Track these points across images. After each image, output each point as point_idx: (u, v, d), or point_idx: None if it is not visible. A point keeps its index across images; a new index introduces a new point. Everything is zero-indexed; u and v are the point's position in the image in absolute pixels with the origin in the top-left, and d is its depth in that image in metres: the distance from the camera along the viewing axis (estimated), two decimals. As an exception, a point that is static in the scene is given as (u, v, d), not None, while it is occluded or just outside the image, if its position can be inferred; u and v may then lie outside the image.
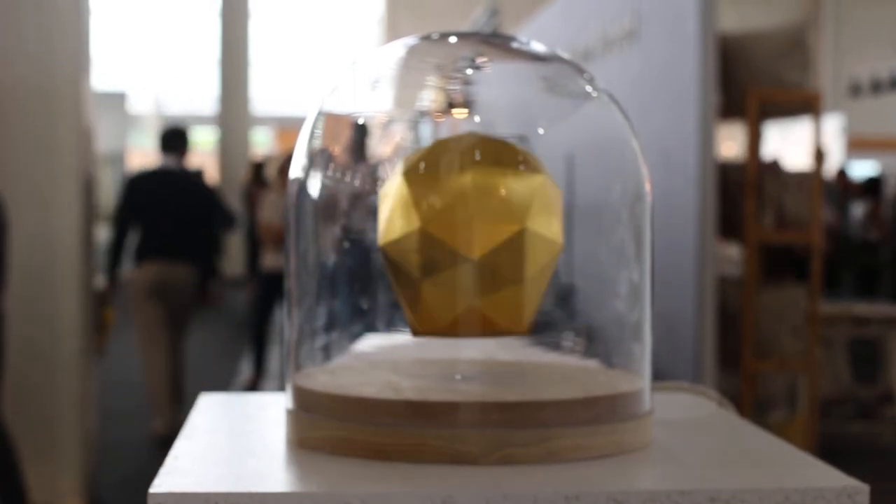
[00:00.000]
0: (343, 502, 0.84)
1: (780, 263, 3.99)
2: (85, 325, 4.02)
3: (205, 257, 5.23)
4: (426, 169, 0.99)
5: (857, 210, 9.30)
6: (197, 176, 6.05)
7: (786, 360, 3.48)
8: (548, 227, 0.99)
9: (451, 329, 0.99)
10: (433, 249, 0.98)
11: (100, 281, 4.64)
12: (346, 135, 1.11)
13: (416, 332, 1.02)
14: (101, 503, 4.13)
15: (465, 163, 0.99)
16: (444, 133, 1.08)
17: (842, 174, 10.08)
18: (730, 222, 3.47)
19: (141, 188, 5.22)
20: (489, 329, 1.00)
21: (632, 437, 0.99)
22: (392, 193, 1.00)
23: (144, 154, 17.32)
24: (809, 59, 3.60)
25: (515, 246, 0.97)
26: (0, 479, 2.84)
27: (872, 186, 9.50)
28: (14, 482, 3.05)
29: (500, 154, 1.00)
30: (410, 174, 0.99)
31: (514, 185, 0.98)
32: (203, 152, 16.74)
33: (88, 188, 4.06)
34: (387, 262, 1.01)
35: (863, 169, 12.21)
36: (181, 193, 5.22)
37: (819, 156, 3.55)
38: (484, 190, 0.98)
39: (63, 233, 3.93)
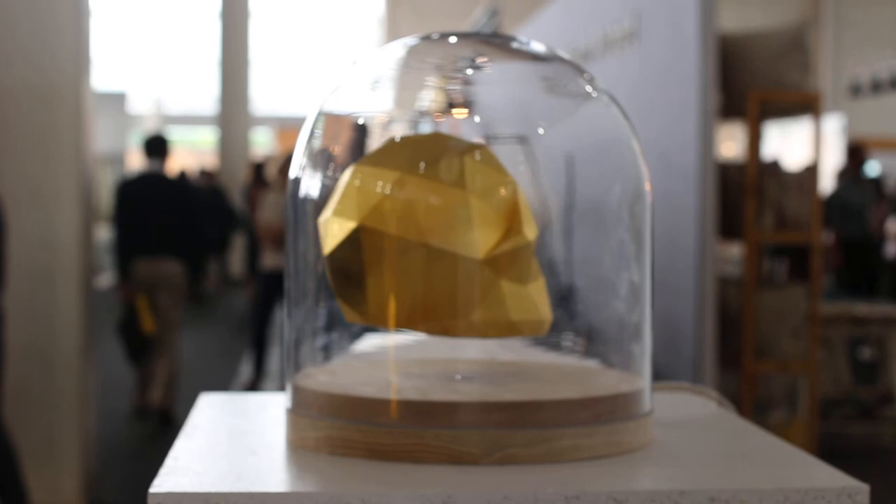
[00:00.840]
0: (343, 502, 0.84)
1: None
2: (84, 325, 4.01)
3: (191, 254, 5.49)
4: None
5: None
6: (181, 178, 6.31)
7: (786, 360, 3.47)
8: (394, 224, 0.98)
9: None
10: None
11: (107, 279, 4.75)
12: (346, 135, 1.11)
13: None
14: (100, 503, 4.13)
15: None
16: (444, 132, 1.08)
17: (855, 152, 9.98)
18: (730, 223, 3.47)
19: (129, 191, 5.53)
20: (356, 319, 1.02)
21: (632, 438, 0.99)
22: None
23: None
24: (809, 59, 3.60)
25: (354, 244, 0.98)
26: (1, 479, 2.83)
27: (877, 188, 9.46)
28: (14, 482, 3.05)
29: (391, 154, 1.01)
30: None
31: (367, 183, 0.99)
32: (203, 152, 16.74)
33: (88, 188, 4.06)
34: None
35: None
36: (166, 195, 5.49)
37: (817, 152, 3.55)
38: (351, 188, 1.00)
39: (62, 233, 3.93)
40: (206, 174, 12.18)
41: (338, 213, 1.00)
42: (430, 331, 1.00)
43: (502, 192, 0.98)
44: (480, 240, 0.96)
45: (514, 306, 0.98)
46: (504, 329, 0.99)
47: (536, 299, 1.00)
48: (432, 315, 0.98)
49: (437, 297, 0.97)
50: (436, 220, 0.96)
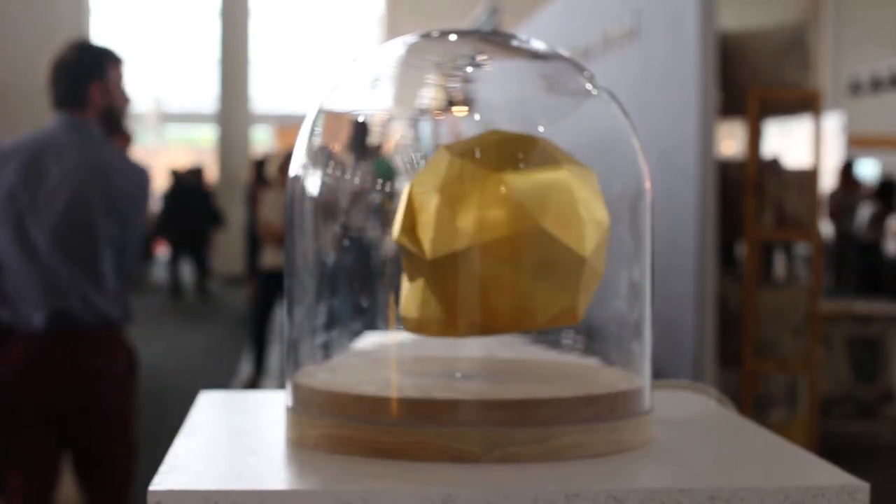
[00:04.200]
0: (343, 500, 0.84)
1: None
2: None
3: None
4: (474, 165, 0.97)
5: (866, 211, 9.28)
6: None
7: (786, 359, 3.48)
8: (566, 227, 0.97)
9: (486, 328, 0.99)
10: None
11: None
12: (345, 133, 1.11)
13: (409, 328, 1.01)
14: None
15: (507, 161, 0.98)
16: (445, 131, 1.08)
17: (847, 169, 10.00)
18: (730, 221, 3.47)
19: None
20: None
21: (632, 436, 0.99)
22: (438, 189, 0.97)
23: (145, 152, 17.33)
24: (809, 57, 3.60)
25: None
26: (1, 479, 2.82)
27: (886, 191, 9.43)
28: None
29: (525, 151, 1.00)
30: (459, 171, 0.97)
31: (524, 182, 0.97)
32: (203, 150, 16.74)
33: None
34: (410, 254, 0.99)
35: (864, 167, 12.21)
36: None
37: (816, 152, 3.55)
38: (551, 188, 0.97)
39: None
40: (192, 172, 12.03)
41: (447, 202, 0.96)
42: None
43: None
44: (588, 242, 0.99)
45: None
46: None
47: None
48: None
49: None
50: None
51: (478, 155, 0.98)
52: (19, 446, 2.69)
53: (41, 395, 2.64)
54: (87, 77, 2.71)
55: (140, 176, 2.82)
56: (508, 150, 0.99)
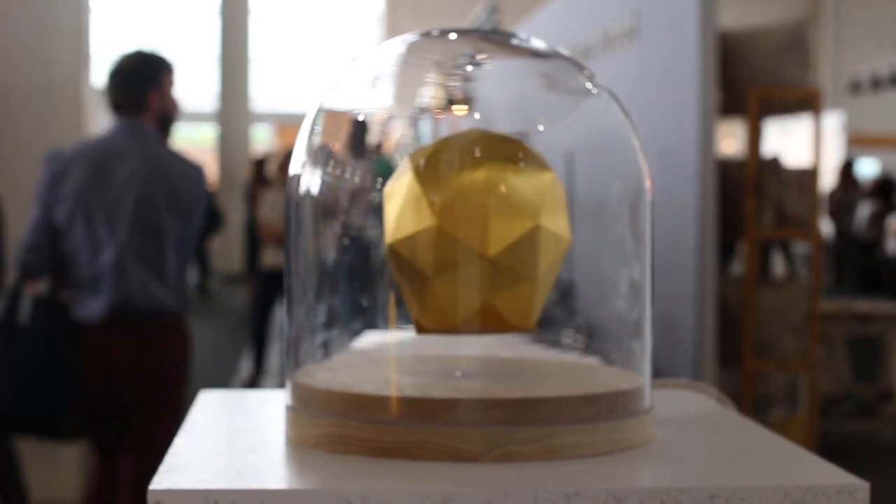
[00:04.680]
0: (343, 499, 0.84)
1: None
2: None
3: None
4: (436, 166, 0.99)
5: (865, 209, 9.27)
6: None
7: (786, 358, 3.48)
8: (557, 223, 0.99)
9: (461, 326, 0.99)
10: (447, 246, 0.97)
11: None
12: (345, 132, 1.11)
13: (421, 330, 1.01)
14: None
15: (476, 159, 0.99)
16: (445, 129, 1.07)
17: (847, 168, 9.99)
18: (730, 220, 3.47)
19: None
20: (499, 326, 0.99)
21: (632, 435, 0.99)
22: (400, 191, 1.00)
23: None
24: (810, 56, 3.60)
25: (529, 243, 0.97)
26: (1, 479, 2.83)
27: (886, 189, 9.42)
28: (15, 482, 3.05)
29: (508, 151, 1.00)
30: (420, 171, 0.99)
31: (524, 182, 0.98)
32: (203, 149, 16.74)
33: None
34: (394, 259, 1.00)
35: (864, 166, 12.20)
36: None
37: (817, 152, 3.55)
38: (498, 186, 0.97)
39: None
40: None
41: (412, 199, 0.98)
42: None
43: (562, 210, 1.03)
44: (543, 264, 1.00)
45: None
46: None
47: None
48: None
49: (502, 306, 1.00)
50: (506, 239, 0.98)
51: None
52: (94, 427, 2.95)
53: (107, 380, 2.87)
54: (146, 84, 2.93)
55: (198, 173, 3.02)
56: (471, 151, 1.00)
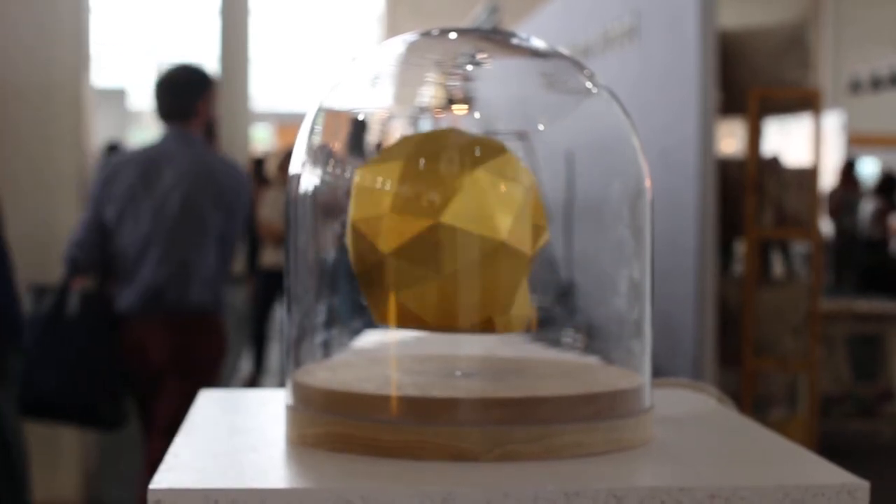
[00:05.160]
0: (343, 499, 0.84)
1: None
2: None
3: None
4: (375, 161, 1.01)
5: (868, 207, 9.25)
6: None
7: (786, 357, 3.47)
8: (488, 224, 0.96)
9: (380, 320, 1.01)
10: (357, 242, 1.00)
11: None
12: (345, 131, 1.11)
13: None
14: (100, 502, 4.13)
15: (404, 154, 0.99)
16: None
17: (848, 168, 9.97)
18: (730, 219, 3.47)
19: None
20: (415, 323, 0.99)
21: (632, 434, 0.99)
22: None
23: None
24: (810, 56, 3.60)
25: (428, 241, 0.96)
26: (2, 478, 2.83)
27: (888, 186, 9.40)
28: (17, 481, 3.04)
29: (465, 150, 1.00)
30: (365, 165, 1.02)
31: (455, 182, 0.97)
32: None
33: (88, 184, 4.06)
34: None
35: (864, 166, 12.20)
36: None
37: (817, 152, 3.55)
38: (404, 184, 0.97)
39: (62, 229, 3.93)
40: None
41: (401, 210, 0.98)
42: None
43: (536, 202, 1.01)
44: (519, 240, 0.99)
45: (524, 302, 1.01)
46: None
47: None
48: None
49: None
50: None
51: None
52: (143, 410, 3.15)
53: (150, 369, 3.06)
54: (195, 94, 3.19)
55: (240, 175, 3.26)
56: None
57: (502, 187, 0.98)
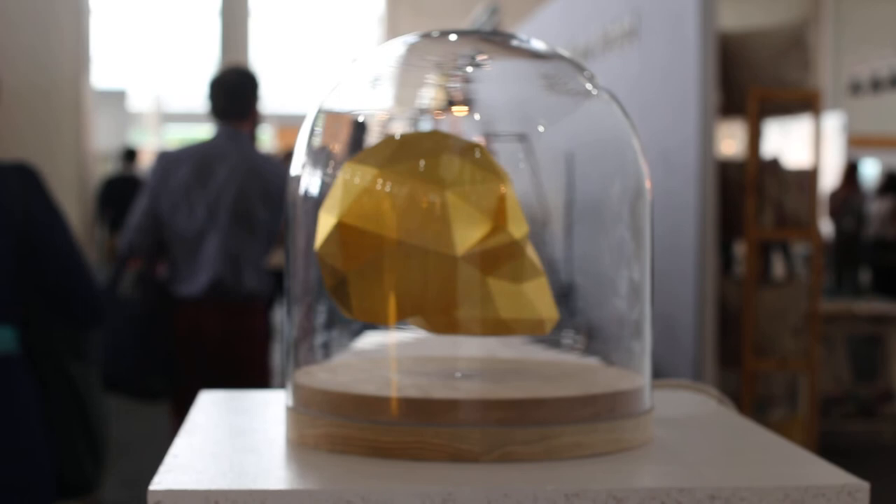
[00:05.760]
0: (343, 500, 0.84)
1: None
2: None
3: None
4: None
5: (876, 207, 9.22)
6: None
7: (786, 358, 3.48)
8: (372, 221, 0.99)
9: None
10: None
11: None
12: (346, 133, 1.11)
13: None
14: (100, 503, 4.13)
15: (369, 158, 1.02)
16: (445, 130, 1.08)
17: (851, 169, 9.94)
18: (730, 220, 3.47)
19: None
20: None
21: (632, 435, 0.99)
22: None
23: (145, 152, 17.29)
24: (810, 57, 3.60)
25: (335, 239, 1.01)
26: (86, 452, 2.72)
27: (895, 185, 9.36)
28: (98, 457, 2.89)
29: (414, 153, 1.01)
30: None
31: (381, 182, 0.99)
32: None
33: (88, 185, 4.06)
34: None
35: (865, 167, 12.19)
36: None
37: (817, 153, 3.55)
38: (337, 185, 1.02)
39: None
40: None
41: (326, 208, 1.03)
42: (418, 326, 1.02)
43: (488, 189, 0.98)
44: (459, 237, 0.97)
45: (504, 304, 0.99)
46: (495, 327, 1.00)
47: (533, 298, 1.00)
48: (419, 312, 1.00)
49: (420, 294, 0.98)
50: (413, 217, 0.97)
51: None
52: (179, 390, 3.29)
53: (198, 350, 3.28)
54: (250, 96, 3.41)
55: (284, 173, 3.41)
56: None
57: (450, 197, 0.99)
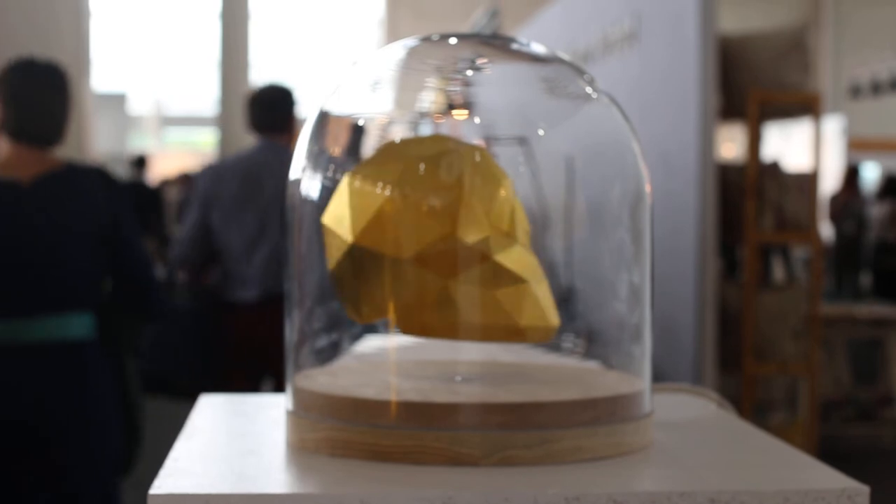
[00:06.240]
0: (343, 503, 0.84)
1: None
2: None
3: None
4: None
5: (876, 210, 9.22)
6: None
7: (786, 362, 3.47)
8: (339, 224, 1.02)
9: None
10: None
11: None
12: (346, 136, 1.11)
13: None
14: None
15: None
16: (444, 134, 1.08)
17: (852, 173, 9.93)
18: (730, 224, 3.47)
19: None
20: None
21: (632, 439, 0.99)
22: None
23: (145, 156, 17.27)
24: (810, 60, 3.60)
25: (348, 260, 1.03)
26: (128, 441, 2.81)
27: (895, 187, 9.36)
28: (137, 444, 2.99)
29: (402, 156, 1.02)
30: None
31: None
32: (203, 153, 16.74)
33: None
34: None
35: (865, 171, 12.19)
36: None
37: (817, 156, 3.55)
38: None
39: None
40: (187, 177, 11.94)
41: (335, 221, 1.03)
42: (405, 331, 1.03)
43: (446, 194, 0.98)
44: (406, 241, 0.98)
45: (468, 310, 0.99)
46: (464, 332, 1.00)
47: (506, 304, 0.99)
48: (405, 316, 1.01)
49: (400, 297, 1.00)
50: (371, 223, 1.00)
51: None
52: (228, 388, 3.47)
53: (250, 352, 3.45)
54: (291, 111, 3.59)
55: None
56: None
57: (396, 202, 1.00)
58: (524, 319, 0.99)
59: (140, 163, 9.71)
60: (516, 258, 1.00)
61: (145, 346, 3.38)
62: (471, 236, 0.98)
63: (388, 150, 1.04)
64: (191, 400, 3.72)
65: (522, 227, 1.02)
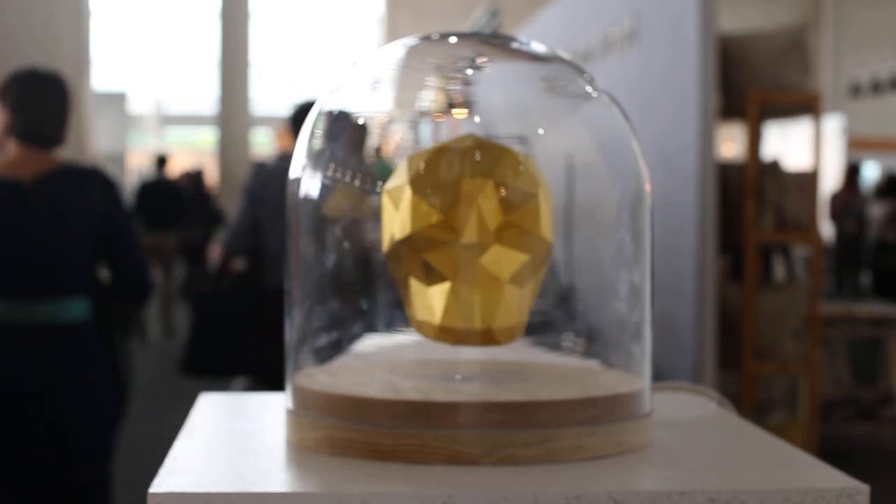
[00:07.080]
0: (343, 503, 0.84)
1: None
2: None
3: None
4: (430, 172, 0.99)
5: (876, 209, 9.21)
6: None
7: (786, 361, 3.47)
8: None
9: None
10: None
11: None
12: (346, 135, 1.11)
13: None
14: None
15: (468, 166, 0.99)
16: (444, 133, 1.08)
17: (853, 172, 9.92)
18: (729, 223, 3.47)
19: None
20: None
21: (632, 438, 0.99)
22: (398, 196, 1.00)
23: (144, 154, 17.32)
24: (809, 60, 3.60)
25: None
26: (118, 415, 3.08)
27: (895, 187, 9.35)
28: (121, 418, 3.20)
29: (499, 158, 1.00)
30: (415, 178, 0.99)
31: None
32: (203, 152, 16.75)
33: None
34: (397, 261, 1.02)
35: (865, 170, 12.19)
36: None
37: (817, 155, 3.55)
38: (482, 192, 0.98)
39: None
40: (189, 175, 12.02)
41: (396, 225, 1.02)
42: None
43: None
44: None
45: (417, 306, 1.02)
46: (419, 328, 1.03)
47: (432, 302, 1.00)
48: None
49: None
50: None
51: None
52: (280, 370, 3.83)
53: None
54: None
55: None
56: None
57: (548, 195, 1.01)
58: (447, 319, 1.00)
59: (161, 162, 9.85)
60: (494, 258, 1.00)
61: (192, 337, 3.87)
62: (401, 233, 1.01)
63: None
64: (216, 376, 4.07)
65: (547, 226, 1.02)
